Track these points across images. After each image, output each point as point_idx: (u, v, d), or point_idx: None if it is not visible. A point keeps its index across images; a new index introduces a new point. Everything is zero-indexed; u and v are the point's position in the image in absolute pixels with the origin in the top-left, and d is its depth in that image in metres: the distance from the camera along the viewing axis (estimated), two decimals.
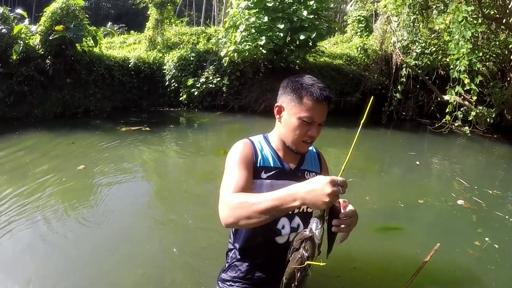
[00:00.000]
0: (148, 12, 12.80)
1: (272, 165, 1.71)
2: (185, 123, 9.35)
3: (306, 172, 1.81)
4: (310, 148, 1.93)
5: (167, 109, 10.64)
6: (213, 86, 10.45)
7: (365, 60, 12.09)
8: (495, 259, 3.48)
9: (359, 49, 12.39)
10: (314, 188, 1.26)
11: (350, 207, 1.45)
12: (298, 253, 1.29)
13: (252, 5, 10.17)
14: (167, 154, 6.71)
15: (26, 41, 8.92)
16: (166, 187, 5.07)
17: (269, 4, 10.06)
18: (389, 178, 6.19)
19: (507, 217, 4.49)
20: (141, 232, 3.64)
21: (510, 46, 8.89)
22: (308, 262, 1.27)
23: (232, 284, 1.85)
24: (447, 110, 8.48)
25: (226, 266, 1.91)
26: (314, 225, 1.31)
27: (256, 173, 1.67)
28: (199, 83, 10.43)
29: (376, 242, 3.67)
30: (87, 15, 9.73)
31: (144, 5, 13.22)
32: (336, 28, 15.19)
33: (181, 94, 10.63)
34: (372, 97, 1.44)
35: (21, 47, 8.61)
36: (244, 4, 10.20)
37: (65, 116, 9.03)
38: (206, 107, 10.58)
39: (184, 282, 2.84)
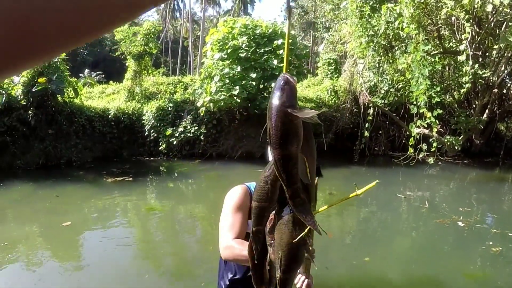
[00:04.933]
0: (127, 64, 13.29)
1: None
2: (165, 172, 9.63)
3: None
4: None
5: (147, 158, 10.91)
6: (191, 135, 10.88)
7: (336, 102, 12.69)
8: None
9: (329, 91, 12.98)
10: None
11: None
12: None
13: (226, 56, 10.85)
14: (151, 205, 6.84)
15: (9, 91, 8.99)
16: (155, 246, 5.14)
17: (241, 55, 10.75)
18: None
19: None
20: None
21: (469, 77, 9.50)
22: None
23: None
24: (410, 143, 9.04)
25: None
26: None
27: None
28: (178, 133, 10.84)
29: None
30: (67, 67, 10.05)
31: (120, 53, 13.73)
32: (306, 72, 15.86)
33: (160, 144, 10.97)
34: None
35: (4, 98, 8.69)
36: (218, 56, 10.86)
37: (47, 167, 9.16)
38: (185, 155, 10.92)
39: None
